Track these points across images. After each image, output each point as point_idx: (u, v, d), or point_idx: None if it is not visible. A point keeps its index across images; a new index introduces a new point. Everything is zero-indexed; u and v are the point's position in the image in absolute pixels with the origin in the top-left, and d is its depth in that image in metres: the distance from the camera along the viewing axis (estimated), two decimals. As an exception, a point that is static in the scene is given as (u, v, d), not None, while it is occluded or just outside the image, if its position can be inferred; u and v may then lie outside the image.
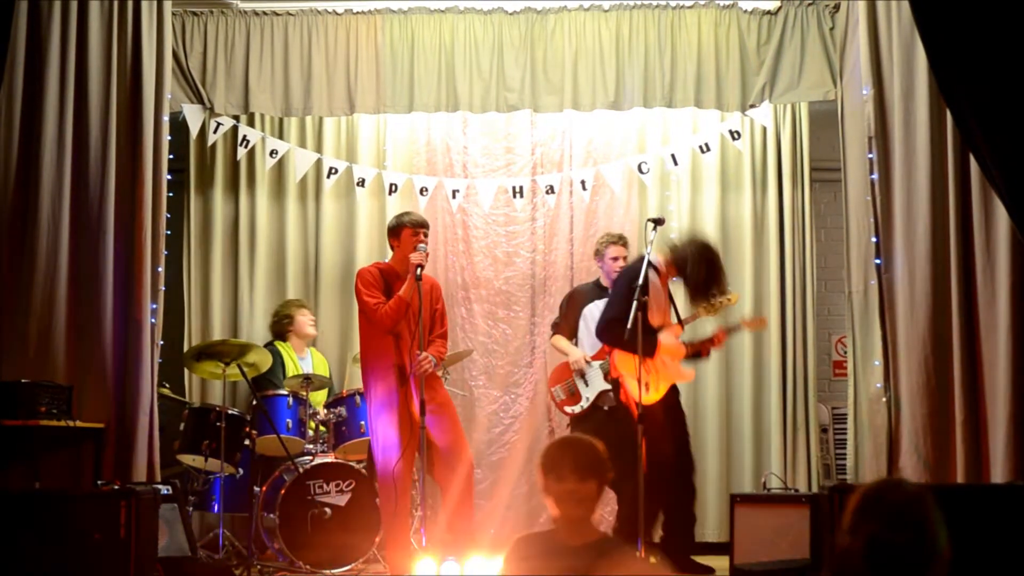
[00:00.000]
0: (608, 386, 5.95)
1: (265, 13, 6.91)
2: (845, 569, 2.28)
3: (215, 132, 6.94)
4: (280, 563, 5.90)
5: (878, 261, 6.06)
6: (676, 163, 7.10)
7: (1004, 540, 4.28)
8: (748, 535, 5.35)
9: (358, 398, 6.19)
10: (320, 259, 7.30)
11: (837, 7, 6.77)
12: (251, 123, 7.12)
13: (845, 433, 6.67)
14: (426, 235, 5.51)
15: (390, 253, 6.86)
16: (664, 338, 5.75)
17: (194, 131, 6.90)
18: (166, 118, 6.43)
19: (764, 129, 7.23)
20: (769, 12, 6.90)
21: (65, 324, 5.97)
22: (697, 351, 5.96)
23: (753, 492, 6.49)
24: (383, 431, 5.38)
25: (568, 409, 6.10)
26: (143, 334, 6.10)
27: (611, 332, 5.62)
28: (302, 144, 7.26)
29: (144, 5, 6.30)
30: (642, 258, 5.64)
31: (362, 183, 7.10)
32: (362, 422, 6.13)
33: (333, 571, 5.85)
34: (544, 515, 6.33)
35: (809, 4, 6.85)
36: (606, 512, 6.21)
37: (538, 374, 7.12)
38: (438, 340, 5.54)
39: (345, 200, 7.34)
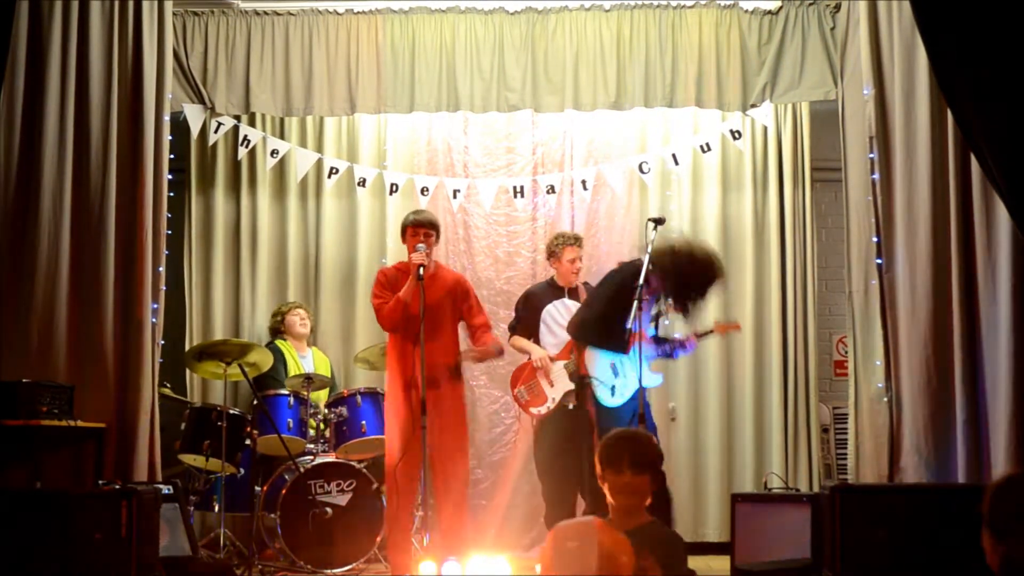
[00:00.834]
0: (574, 385, 5.91)
1: (266, 13, 6.91)
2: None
3: (216, 132, 6.94)
4: (281, 563, 5.91)
5: (879, 261, 6.06)
6: (677, 163, 7.10)
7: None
8: (749, 535, 5.35)
9: (359, 398, 6.20)
10: (321, 259, 7.30)
11: (838, 7, 6.77)
12: (252, 123, 7.12)
13: (846, 433, 6.67)
14: (428, 235, 5.48)
15: (390, 252, 6.89)
16: None
17: (195, 131, 6.90)
18: (167, 118, 6.43)
19: (765, 129, 7.23)
20: (770, 12, 6.90)
21: (66, 324, 5.97)
22: (667, 354, 5.89)
23: (754, 492, 6.49)
24: (388, 431, 5.46)
25: (534, 410, 6.05)
26: (144, 334, 6.10)
27: (585, 331, 5.65)
28: (303, 144, 7.26)
29: (145, 5, 6.30)
30: (636, 261, 5.62)
31: (363, 183, 7.10)
32: (363, 422, 6.14)
33: (334, 571, 5.85)
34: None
35: (810, 4, 6.85)
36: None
37: (539, 374, 7.12)
38: (479, 332, 5.58)
39: (346, 200, 7.34)
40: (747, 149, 7.20)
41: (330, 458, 6.10)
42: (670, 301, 5.59)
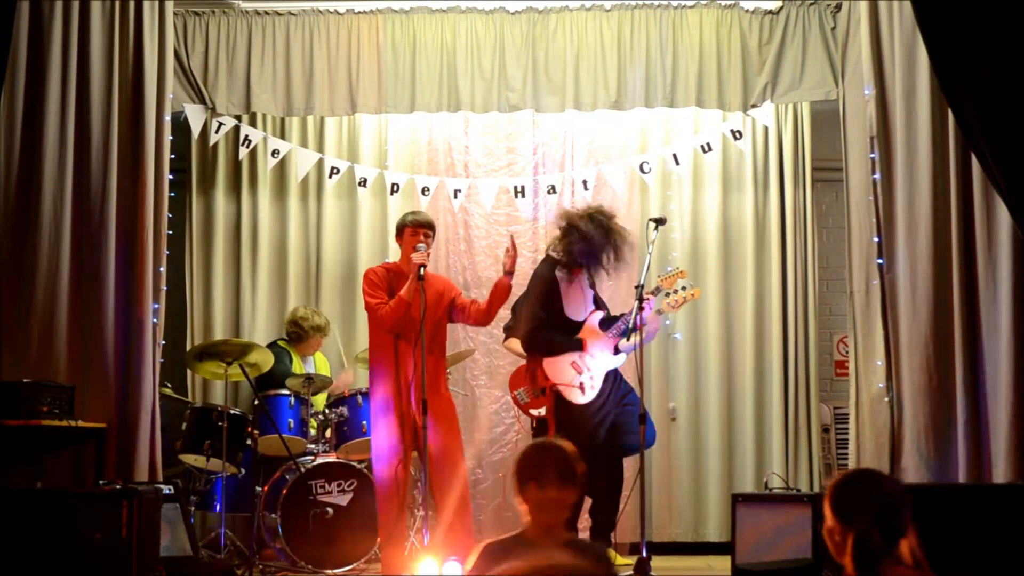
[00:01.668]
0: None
1: (267, 13, 6.91)
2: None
3: (217, 132, 6.93)
4: (281, 563, 5.91)
5: (880, 261, 6.06)
6: (678, 163, 7.09)
7: (1006, 540, 4.28)
8: (750, 535, 5.35)
9: (360, 398, 6.19)
10: (322, 259, 7.30)
11: (839, 7, 6.76)
12: (253, 123, 7.12)
13: (847, 433, 6.67)
14: (427, 235, 5.48)
15: (391, 251, 6.86)
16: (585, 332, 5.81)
17: (196, 131, 6.90)
18: (168, 118, 6.42)
19: (766, 129, 7.23)
20: (771, 12, 6.89)
21: (67, 324, 5.97)
22: (623, 333, 5.79)
23: (755, 492, 6.49)
24: (381, 433, 5.37)
25: (533, 412, 6.07)
26: (145, 334, 6.10)
27: (537, 340, 5.76)
28: (304, 144, 7.26)
29: (146, 5, 6.30)
30: (548, 259, 5.91)
31: (364, 183, 7.10)
32: (364, 422, 6.13)
33: (334, 571, 5.85)
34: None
35: (811, 4, 6.85)
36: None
37: (540, 374, 7.11)
38: (473, 304, 5.60)
39: (347, 200, 7.34)
40: (748, 149, 7.19)
41: (331, 458, 6.09)
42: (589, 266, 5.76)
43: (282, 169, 7.28)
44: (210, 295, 7.26)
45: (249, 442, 6.14)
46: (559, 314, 5.82)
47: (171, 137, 6.47)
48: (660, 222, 5.78)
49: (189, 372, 6.88)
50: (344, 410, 6.19)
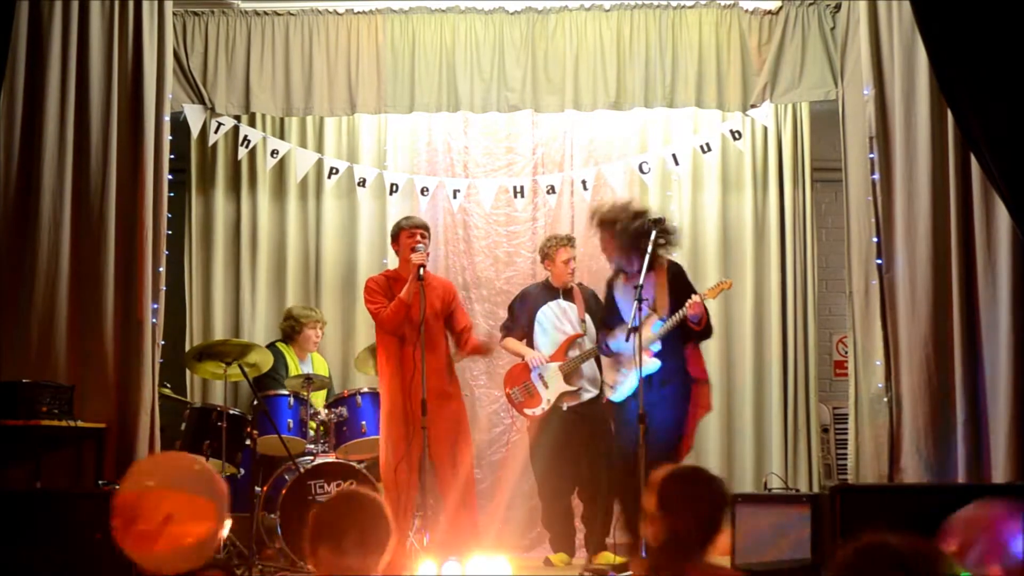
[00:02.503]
0: (569, 387, 6.03)
1: (266, 13, 6.91)
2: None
3: (216, 132, 6.94)
4: (281, 563, 5.91)
5: (879, 261, 6.06)
6: (677, 163, 7.10)
7: (1005, 540, 4.27)
8: (749, 535, 5.34)
9: (359, 398, 6.20)
10: (321, 259, 7.31)
11: (838, 7, 6.77)
12: (252, 123, 7.12)
13: (846, 433, 6.67)
14: (423, 236, 5.53)
15: (391, 252, 6.87)
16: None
17: (195, 131, 6.90)
18: (167, 118, 6.43)
19: (765, 129, 7.23)
20: (770, 12, 6.90)
21: (66, 324, 5.97)
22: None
23: (754, 492, 6.49)
24: (386, 435, 5.46)
25: (528, 411, 6.10)
26: (144, 334, 6.10)
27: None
28: (303, 144, 7.26)
29: (145, 5, 6.30)
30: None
31: (363, 183, 7.10)
32: (363, 422, 6.14)
33: (334, 571, 5.84)
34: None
35: (810, 4, 6.85)
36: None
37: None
38: (465, 335, 5.64)
39: (346, 200, 7.34)
40: (747, 149, 7.20)
41: (330, 458, 6.09)
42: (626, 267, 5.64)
43: (281, 169, 7.28)
44: (209, 295, 7.26)
45: (248, 442, 6.13)
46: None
47: (170, 137, 6.47)
48: (659, 222, 5.77)
49: (188, 372, 6.88)
50: (343, 410, 6.20)
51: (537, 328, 6.19)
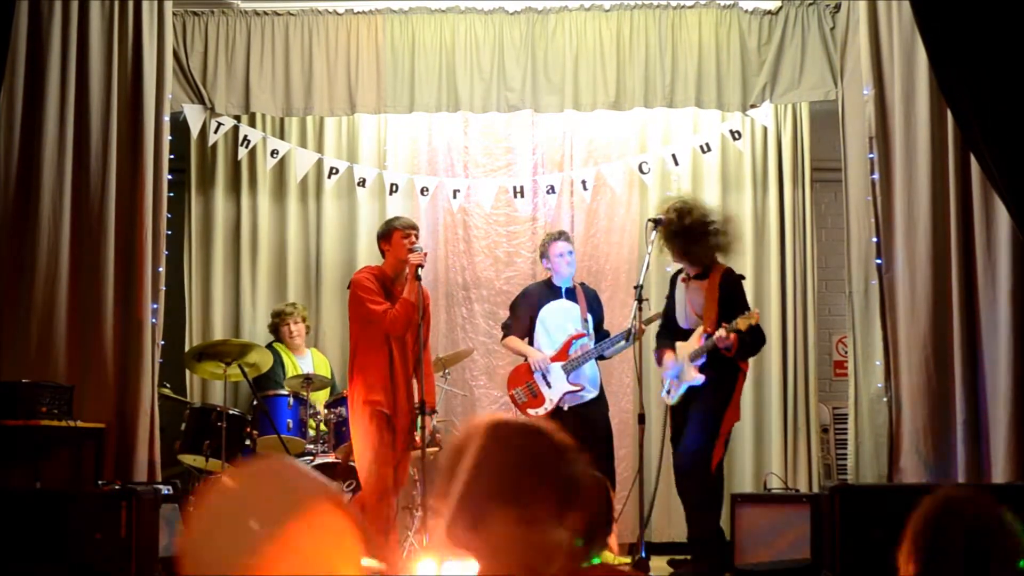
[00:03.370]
0: (572, 387, 5.98)
1: (266, 13, 6.91)
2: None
3: (216, 132, 6.94)
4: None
5: (879, 261, 6.06)
6: (677, 163, 7.09)
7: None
8: (749, 535, 5.36)
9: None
10: (321, 259, 7.30)
11: (838, 7, 6.77)
12: (252, 123, 7.12)
13: (846, 433, 6.67)
14: (417, 236, 5.43)
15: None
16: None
17: (195, 131, 6.90)
18: (167, 118, 6.43)
19: (765, 129, 7.23)
20: (770, 12, 6.90)
21: (66, 324, 5.97)
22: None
23: (754, 492, 6.49)
24: (375, 438, 5.18)
25: (531, 411, 6.07)
26: (144, 334, 6.11)
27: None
28: (303, 144, 7.26)
29: (145, 5, 6.30)
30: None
31: (363, 183, 7.10)
32: (363, 422, 6.13)
33: (334, 571, 5.83)
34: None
35: (810, 4, 6.85)
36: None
37: (539, 374, 7.12)
38: (425, 349, 5.41)
39: (346, 200, 7.34)
40: (747, 149, 7.19)
41: (330, 458, 6.09)
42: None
43: (281, 169, 7.28)
44: (209, 295, 7.25)
45: (248, 442, 6.13)
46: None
47: (170, 137, 6.48)
48: (659, 222, 5.76)
49: (188, 372, 6.87)
50: (343, 410, 6.19)
51: (539, 328, 6.18)
